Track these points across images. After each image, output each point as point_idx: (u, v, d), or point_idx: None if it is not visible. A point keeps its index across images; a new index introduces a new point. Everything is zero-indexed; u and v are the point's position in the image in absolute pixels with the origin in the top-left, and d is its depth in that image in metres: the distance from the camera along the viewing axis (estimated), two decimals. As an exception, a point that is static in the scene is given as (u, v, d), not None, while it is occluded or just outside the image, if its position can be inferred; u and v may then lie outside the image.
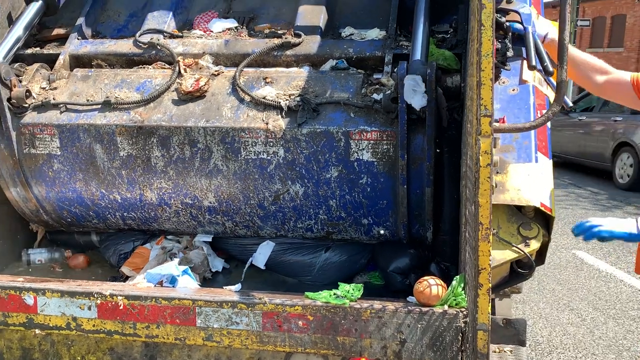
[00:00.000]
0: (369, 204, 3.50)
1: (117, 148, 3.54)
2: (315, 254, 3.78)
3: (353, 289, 2.80)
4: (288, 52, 3.72)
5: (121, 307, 2.81)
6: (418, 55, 3.33)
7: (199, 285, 3.39)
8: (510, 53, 2.99)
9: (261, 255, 3.79)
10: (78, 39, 3.99)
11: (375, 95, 3.36)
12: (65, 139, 3.59)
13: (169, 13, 4.06)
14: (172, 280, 3.20)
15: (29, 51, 3.98)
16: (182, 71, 3.66)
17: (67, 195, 3.76)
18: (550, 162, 3.20)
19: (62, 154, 3.62)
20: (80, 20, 4.06)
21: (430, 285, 2.75)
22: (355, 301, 2.75)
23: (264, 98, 3.43)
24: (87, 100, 3.61)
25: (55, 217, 3.91)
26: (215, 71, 3.67)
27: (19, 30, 3.90)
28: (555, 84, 2.80)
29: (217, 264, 3.87)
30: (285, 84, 3.54)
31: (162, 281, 3.21)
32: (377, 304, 2.70)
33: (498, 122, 2.96)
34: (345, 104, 3.38)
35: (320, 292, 2.79)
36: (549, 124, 3.41)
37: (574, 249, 9.06)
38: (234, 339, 2.76)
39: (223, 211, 3.65)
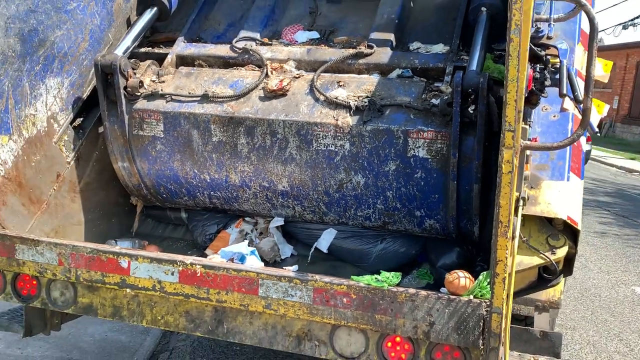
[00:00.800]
0: (422, 197, 3.87)
1: (211, 134, 4.09)
2: (372, 243, 4.22)
3: (392, 276, 3.23)
4: (360, 61, 4.18)
5: (198, 274, 3.32)
6: (474, 67, 3.72)
7: (263, 264, 3.91)
8: (547, 82, 3.38)
9: (324, 241, 4.28)
10: (184, 42, 4.59)
11: (433, 100, 3.77)
12: (168, 124, 4.16)
13: (261, 24, 4.65)
14: (242, 258, 3.72)
15: (142, 50, 4.61)
16: (269, 73, 4.19)
17: (165, 173, 4.34)
18: (582, 181, 3.57)
19: (164, 137, 4.20)
20: (187, 27, 4.69)
21: (459, 277, 3.17)
22: (393, 286, 3.19)
23: (336, 98, 3.91)
24: (189, 93, 4.17)
25: (153, 192, 4.49)
26: (297, 74, 4.19)
27: (135, 31, 4.53)
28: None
29: (287, 250, 4.38)
30: (355, 87, 4.00)
31: (233, 258, 3.75)
32: (411, 290, 3.10)
33: (531, 141, 3.37)
34: (406, 107, 3.80)
35: (364, 275, 3.24)
36: (584, 147, 3.79)
37: (634, 285, 9.06)
38: (289, 309, 3.22)
39: (294, 195, 4.13)
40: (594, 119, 3.71)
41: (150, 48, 4.69)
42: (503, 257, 2.77)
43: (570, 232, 3.45)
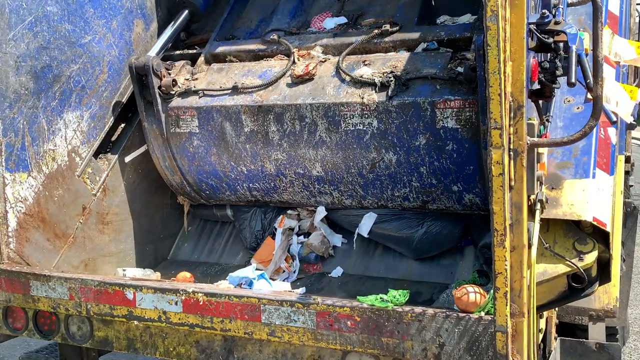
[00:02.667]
0: (457, 169, 3.74)
1: (242, 125, 4.10)
2: (414, 228, 4.13)
3: (399, 295, 2.98)
4: (387, 39, 4.08)
5: (201, 303, 3.20)
6: None
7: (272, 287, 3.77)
8: (559, 72, 3.06)
9: (365, 225, 4.24)
10: (216, 40, 4.59)
11: (459, 69, 3.62)
12: (202, 119, 4.19)
13: (289, 15, 4.63)
14: (250, 283, 3.59)
15: (177, 52, 4.66)
16: (296, 60, 4.16)
17: (204, 168, 4.38)
18: (611, 178, 3.20)
19: (200, 132, 4.23)
20: (219, 26, 4.70)
21: (468, 293, 2.87)
22: (400, 305, 2.95)
23: (361, 77, 3.82)
24: (220, 87, 4.20)
25: (196, 188, 4.55)
26: (323, 59, 4.13)
27: (167, 33, 4.61)
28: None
29: (336, 240, 4.41)
30: (381, 65, 3.90)
31: (241, 283, 3.62)
32: (417, 309, 2.85)
33: (542, 137, 3.05)
34: (432, 78, 3.66)
35: (368, 296, 3.02)
36: (614, 140, 3.42)
37: None
38: (293, 335, 3.01)
39: (329, 180, 4.10)
40: (626, 106, 3.33)
41: (185, 50, 4.73)
42: (502, 269, 2.49)
43: (601, 234, 3.09)
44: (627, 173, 5.83)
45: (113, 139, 4.51)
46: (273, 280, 4.16)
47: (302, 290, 3.58)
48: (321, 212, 4.35)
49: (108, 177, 4.37)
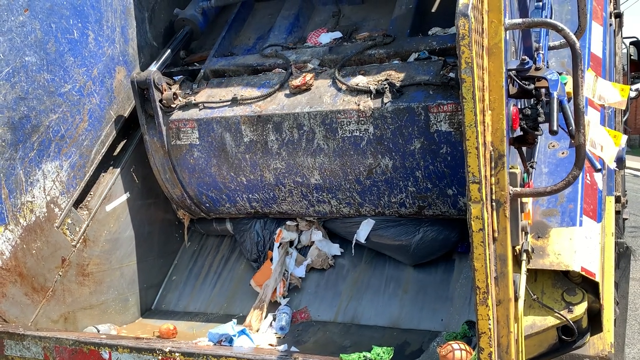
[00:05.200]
0: (451, 173, 3.87)
1: (242, 135, 4.26)
2: (411, 234, 4.24)
3: (383, 352, 2.91)
4: (380, 51, 4.28)
5: (178, 363, 3.12)
6: None
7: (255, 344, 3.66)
8: (541, 118, 2.99)
9: (363, 231, 4.36)
10: (215, 57, 4.81)
11: (451, 74, 3.81)
12: (202, 131, 4.35)
13: (286, 31, 4.84)
14: (230, 340, 3.49)
15: (177, 69, 4.88)
16: (293, 72, 4.36)
17: (204, 180, 4.54)
18: (599, 225, 3.12)
19: (200, 144, 4.40)
20: (217, 43, 4.92)
21: (454, 350, 2.78)
22: (384, 363, 2.85)
23: (356, 85, 4.02)
24: (219, 100, 4.39)
25: (197, 201, 4.69)
26: (320, 70, 4.33)
27: (168, 49, 4.80)
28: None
29: (334, 250, 4.55)
30: (375, 73, 4.10)
31: (221, 340, 3.51)
32: (401, 367, 2.78)
33: (525, 185, 2.96)
34: (425, 84, 3.84)
35: (351, 354, 2.91)
36: (600, 185, 3.33)
37: None
38: (274, 399, 2.96)
39: (327, 188, 4.26)
40: (610, 152, 3.25)
41: (186, 66, 4.97)
42: (486, 329, 2.39)
43: (590, 284, 2.99)
44: (617, 213, 5.73)
45: (93, 188, 4.40)
46: (263, 328, 4.04)
47: (284, 347, 3.46)
48: (317, 234, 4.61)
49: (88, 227, 4.31)
